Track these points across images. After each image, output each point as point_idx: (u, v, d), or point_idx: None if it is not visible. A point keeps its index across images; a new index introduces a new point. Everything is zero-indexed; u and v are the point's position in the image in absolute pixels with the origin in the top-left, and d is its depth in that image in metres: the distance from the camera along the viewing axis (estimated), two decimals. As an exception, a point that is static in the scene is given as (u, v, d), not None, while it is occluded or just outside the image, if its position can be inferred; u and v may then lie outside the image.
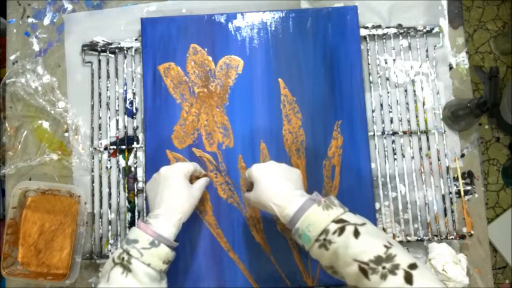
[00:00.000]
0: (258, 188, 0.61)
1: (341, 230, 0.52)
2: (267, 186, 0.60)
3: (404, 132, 0.76)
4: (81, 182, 0.76)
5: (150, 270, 0.56)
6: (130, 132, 0.77)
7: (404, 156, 0.75)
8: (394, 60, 0.78)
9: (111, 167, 0.76)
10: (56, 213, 0.74)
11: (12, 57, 0.80)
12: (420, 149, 0.76)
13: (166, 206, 0.61)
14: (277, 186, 0.59)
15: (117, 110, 0.77)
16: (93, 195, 0.75)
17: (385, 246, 0.50)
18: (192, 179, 0.68)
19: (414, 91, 0.78)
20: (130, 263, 0.55)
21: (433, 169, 0.75)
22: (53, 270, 0.73)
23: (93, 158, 0.76)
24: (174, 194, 0.62)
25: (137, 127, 0.77)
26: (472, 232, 0.74)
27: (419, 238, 0.73)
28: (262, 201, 0.59)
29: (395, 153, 0.75)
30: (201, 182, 0.67)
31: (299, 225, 0.54)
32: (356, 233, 0.51)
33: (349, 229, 0.52)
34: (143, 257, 0.56)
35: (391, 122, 0.76)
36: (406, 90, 0.77)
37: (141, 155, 0.76)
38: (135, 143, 0.76)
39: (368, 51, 0.78)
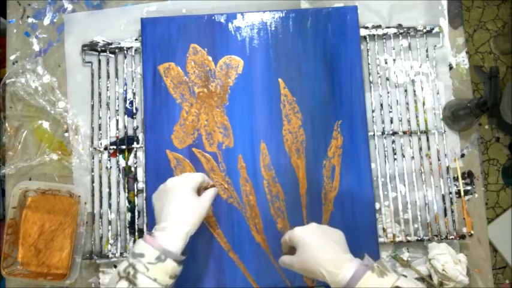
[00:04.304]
0: (304, 254, 0.58)
1: None
2: (314, 252, 0.57)
3: (404, 132, 0.76)
4: (81, 182, 0.76)
5: (156, 285, 0.55)
6: (130, 132, 0.77)
7: (404, 156, 0.75)
8: (394, 60, 0.78)
9: (111, 167, 0.76)
10: (56, 213, 0.74)
11: (12, 57, 0.80)
12: (420, 149, 0.76)
13: (174, 218, 0.59)
14: (326, 251, 0.57)
15: (117, 110, 0.77)
16: (93, 195, 0.75)
17: None
18: (200, 189, 0.66)
19: (414, 91, 0.78)
20: (136, 277, 0.54)
21: (433, 169, 0.75)
22: (53, 270, 0.73)
23: (93, 158, 0.76)
24: (182, 206, 0.60)
25: (137, 127, 0.77)
26: (472, 232, 0.74)
27: (419, 238, 0.73)
28: (310, 267, 0.57)
29: (395, 153, 0.75)
30: (210, 193, 0.65)
31: None
32: None
33: None
34: (149, 272, 0.55)
35: (391, 122, 0.76)
36: (406, 90, 0.77)
37: (141, 155, 0.76)
38: (135, 143, 0.76)
39: (368, 51, 0.78)
